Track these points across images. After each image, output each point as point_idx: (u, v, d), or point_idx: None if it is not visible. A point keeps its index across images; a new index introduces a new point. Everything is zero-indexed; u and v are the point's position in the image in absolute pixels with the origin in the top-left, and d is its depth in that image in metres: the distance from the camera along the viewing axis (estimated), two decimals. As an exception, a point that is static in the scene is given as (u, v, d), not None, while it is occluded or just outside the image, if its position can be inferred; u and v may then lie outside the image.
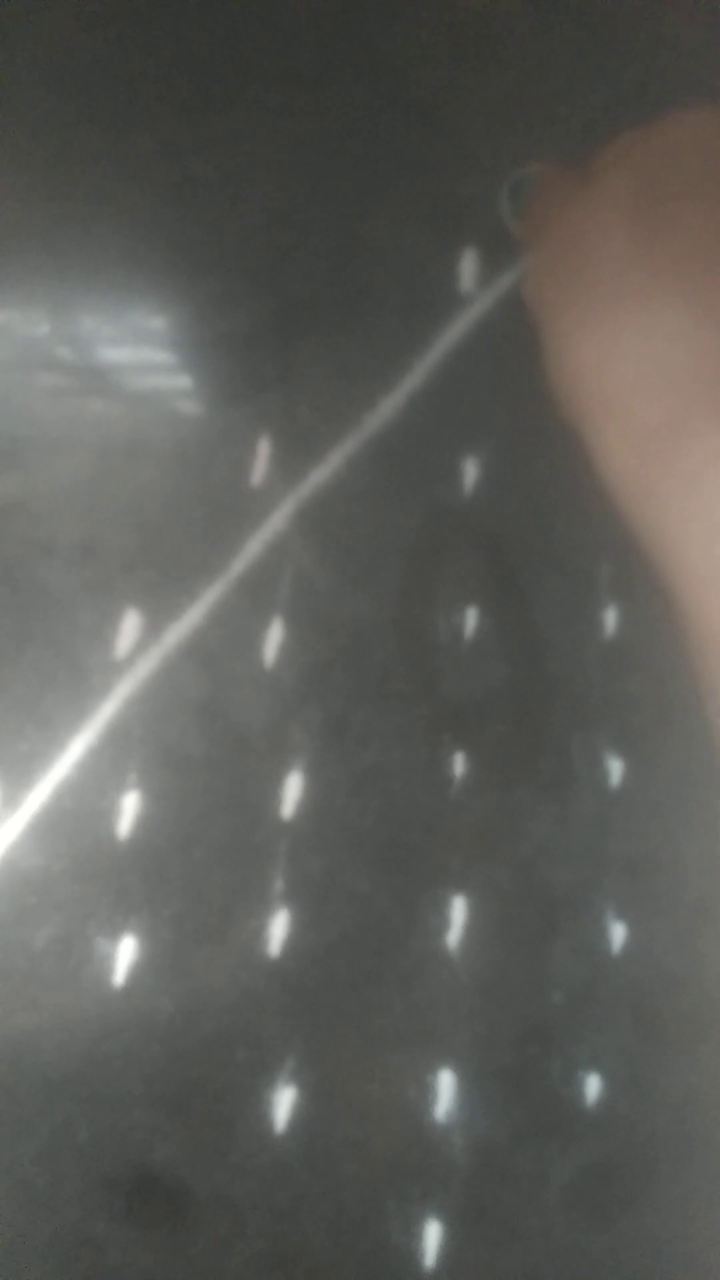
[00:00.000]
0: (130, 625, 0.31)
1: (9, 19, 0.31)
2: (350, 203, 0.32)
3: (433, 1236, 0.30)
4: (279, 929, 0.30)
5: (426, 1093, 0.30)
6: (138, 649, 0.31)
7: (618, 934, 0.31)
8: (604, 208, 0.25)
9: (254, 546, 0.31)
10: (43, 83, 0.33)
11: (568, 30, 0.33)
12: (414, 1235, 0.30)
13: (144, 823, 0.30)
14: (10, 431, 0.31)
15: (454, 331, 0.32)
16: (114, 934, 0.29)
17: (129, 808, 0.30)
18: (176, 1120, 0.29)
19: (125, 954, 0.29)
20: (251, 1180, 0.29)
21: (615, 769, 0.31)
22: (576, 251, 0.25)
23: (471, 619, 0.31)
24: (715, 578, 0.23)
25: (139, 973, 0.29)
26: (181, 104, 0.32)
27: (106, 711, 0.30)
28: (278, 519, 0.31)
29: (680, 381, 0.23)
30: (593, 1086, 0.30)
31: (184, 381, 0.32)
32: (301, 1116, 0.29)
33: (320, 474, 0.31)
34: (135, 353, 0.32)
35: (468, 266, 0.32)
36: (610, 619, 0.32)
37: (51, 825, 0.30)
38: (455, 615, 0.31)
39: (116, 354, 0.32)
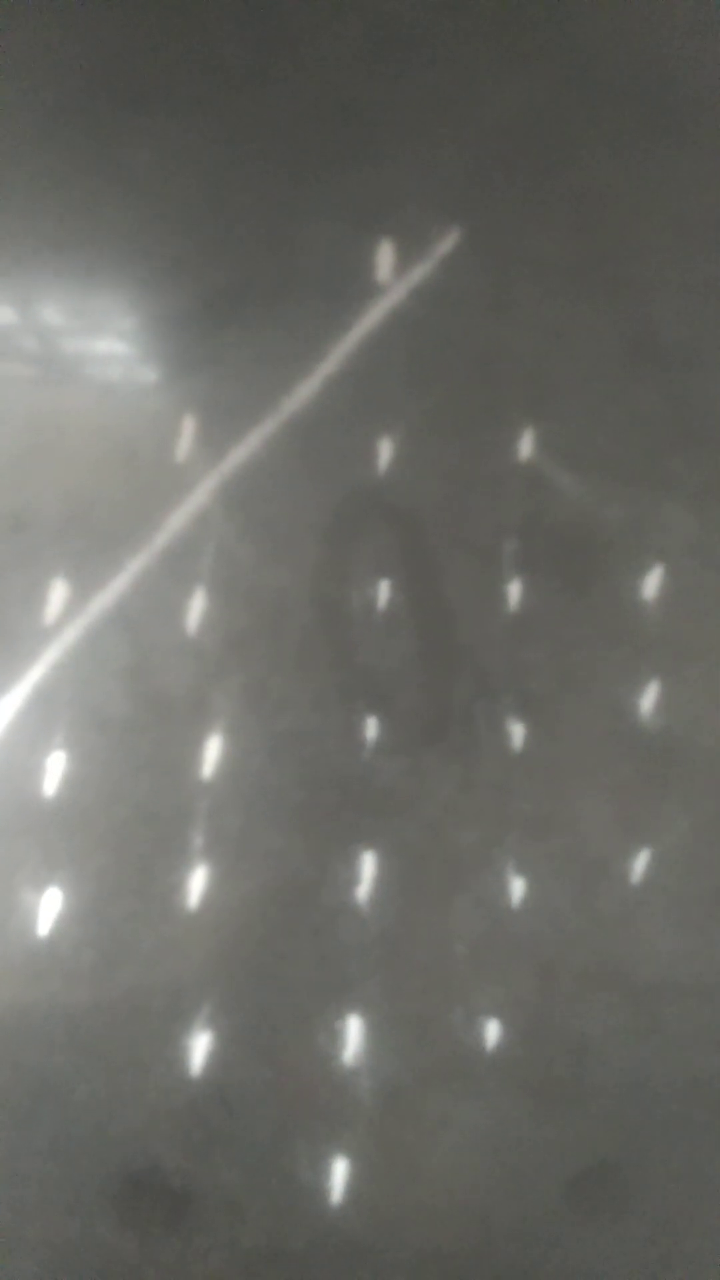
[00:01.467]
0: (58, 594, 0.32)
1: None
2: (276, 196, 0.33)
3: (339, 1174, 0.31)
4: (197, 883, 0.31)
5: (335, 1038, 0.31)
6: (65, 616, 0.32)
7: (517, 890, 0.33)
8: None
9: (178, 520, 0.33)
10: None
11: (484, 35, 0.35)
12: (321, 1173, 0.31)
13: (69, 781, 0.31)
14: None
15: (369, 319, 0.33)
16: (39, 887, 0.31)
17: (55, 767, 0.31)
18: (97, 1063, 0.30)
19: (50, 906, 0.31)
20: (167, 1121, 0.31)
21: (517, 734, 0.33)
22: None
23: (384, 592, 0.33)
24: None
25: (63, 924, 0.31)
26: (113, 96, 0.33)
27: (34, 676, 0.32)
28: (201, 494, 0.33)
29: None
30: (492, 1033, 0.32)
31: (114, 361, 0.33)
32: (216, 1061, 0.31)
33: (242, 452, 0.33)
34: (67, 332, 0.33)
35: (384, 258, 0.34)
36: (514, 593, 0.33)
37: (-21, 783, 0.31)
38: (369, 588, 0.33)
39: (48, 333, 0.33)
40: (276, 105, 0.34)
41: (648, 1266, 0.31)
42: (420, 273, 0.32)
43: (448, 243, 0.33)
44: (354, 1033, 0.32)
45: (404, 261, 0.33)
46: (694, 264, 0.35)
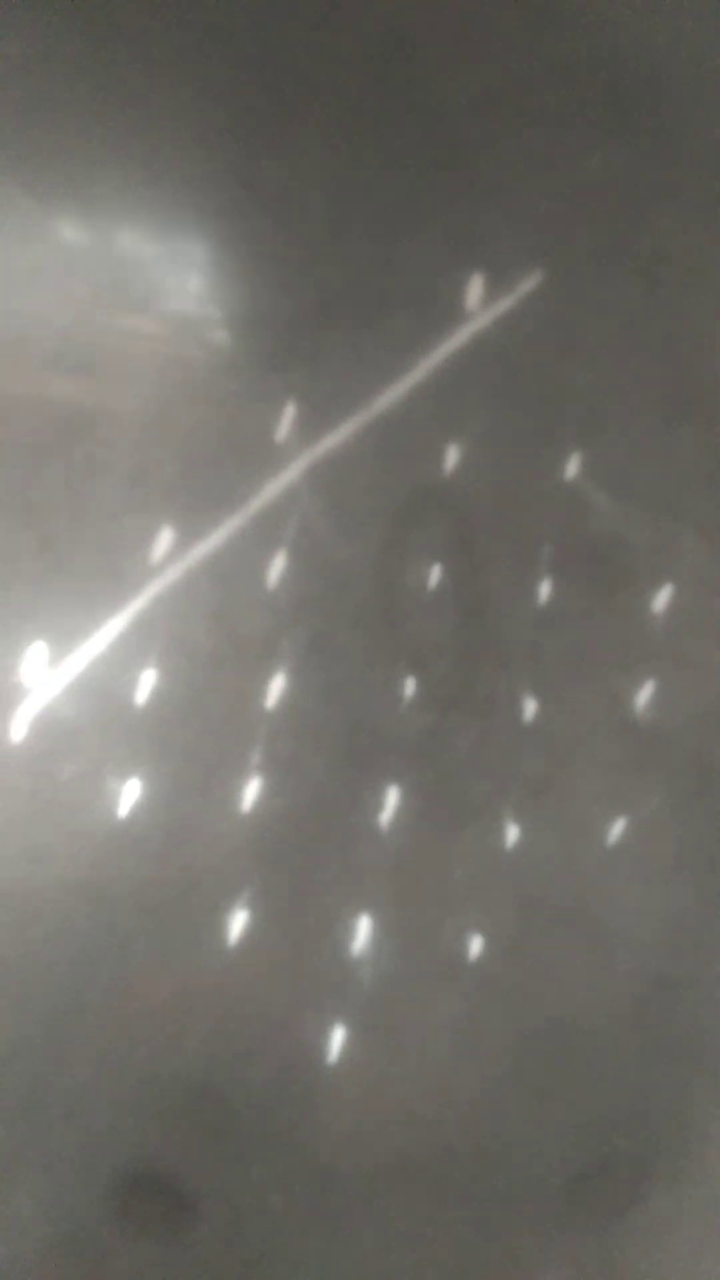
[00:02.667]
0: (164, 539, 0.38)
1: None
2: (387, 221, 0.38)
3: (337, 1040, 0.38)
4: (251, 792, 0.38)
5: (348, 931, 0.38)
6: (168, 559, 0.38)
7: (512, 834, 0.39)
8: None
9: (271, 490, 0.38)
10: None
11: (584, 103, 0.39)
12: (323, 1037, 0.38)
13: (156, 695, 0.38)
14: (90, 348, 0.38)
15: (455, 340, 0.39)
16: (122, 778, 0.37)
17: (146, 682, 0.38)
18: (152, 922, 0.37)
19: (130, 794, 0.37)
20: (205, 977, 0.38)
21: (530, 708, 0.39)
22: None
23: (435, 575, 0.39)
24: None
25: (138, 810, 0.37)
26: (255, 117, 0.38)
27: (136, 606, 0.38)
28: (293, 471, 0.38)
29: None
30: (475, 945, 0.39)
31: (234, 346, 0.39)
32: (249, 936, 0.38)
33: (332, 440, 0.39)
34: (199, 317, 0.39)
35: (474, 289, 0.39)
36: (544, 590, 0.39)
37: (84, 687, 0.37)
38: (422, 570, 0.39)
39: (184, 316, 0.39)
40: (396, 142, 0.39)
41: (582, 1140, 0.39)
42: (503, 305, 0.37)
43: (530, 282, 0.38)
44: (363, 929, 0.38)
45: (490, 294, 0.39)
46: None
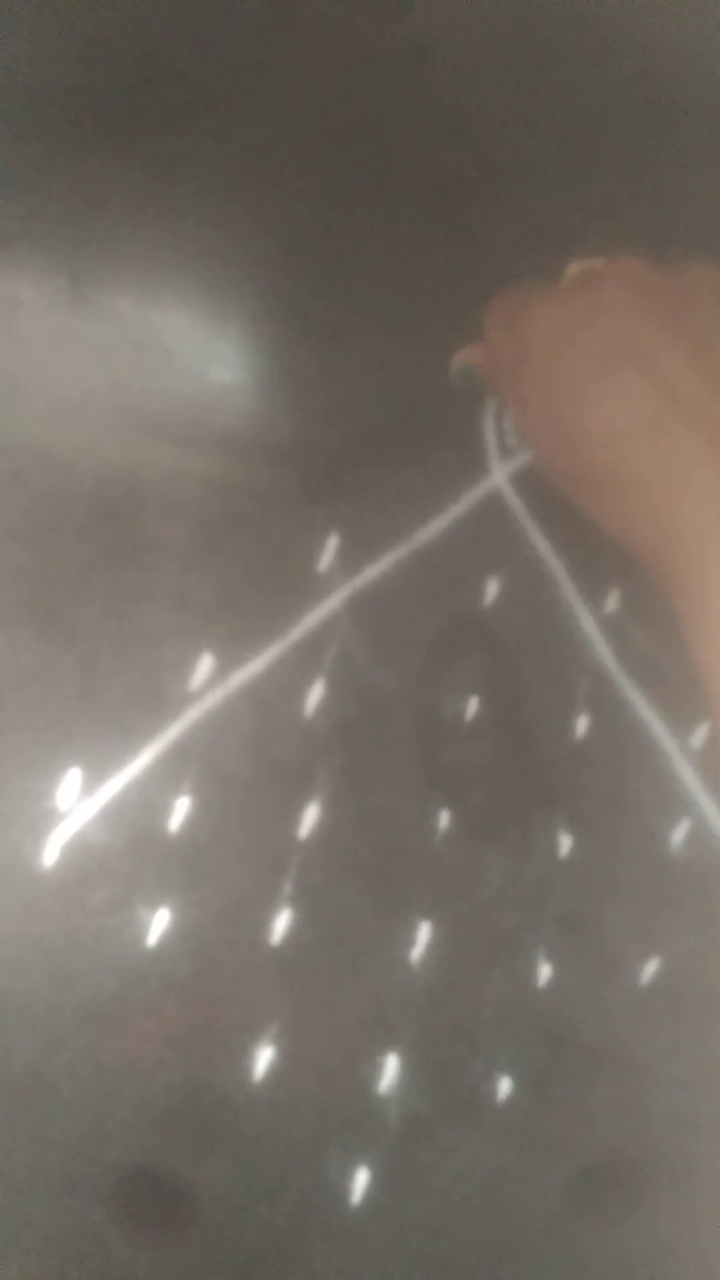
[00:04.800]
0: (204, 665, 0.38)
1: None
2: (430, 361, 0.39)
3: (361, 1180, 0.37)
4: (282, 923, 0.38)
5: (375, 1069, 0.38)
6: (207, 685, 0.38)
7: (544, 972, 0.39)
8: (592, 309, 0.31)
9: (311, 619, 0.39)
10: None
11: (587, 175, 0.40)
12: (346, 1176, 0.37)
13: (190, 823, 0.38)
14: (136, 477, 0.39)
15: (496, 475, 0.39)
16: (153, 905, 0.37)
17: (180, 809, 0.38)
18: (179, 1056, 0.37)
19: (159, 922, 0.37)
20: (228, 1112, 0.37)
21: (565, 843, 0.39)
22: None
23: (473, 705, 0.39)
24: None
25: (167, 939, 0.37)
26: (308, 253, 0.39)
27: (175, 731, 0.38)
28: (334, 601, 0.39)
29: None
30: (504, 1087, 0.38)
31: (278, 479, 0.39)
32: (275, 1071, 0.37)
33: (373, 571, 0.39)
34: (245, 448, 0.39)
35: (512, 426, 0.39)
36: (582, 724, 0.39)
37: (118, 812, 0.37)
38: (460, 700, 0.39)
39: (230, 447, 0.39)
40: (443, 282, 0.40)
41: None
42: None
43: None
44: (390, 1067, 0.38)
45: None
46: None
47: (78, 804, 0.37)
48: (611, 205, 0.42)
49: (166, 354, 0.39)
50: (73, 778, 0.37)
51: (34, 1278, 0.36)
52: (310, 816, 0.38)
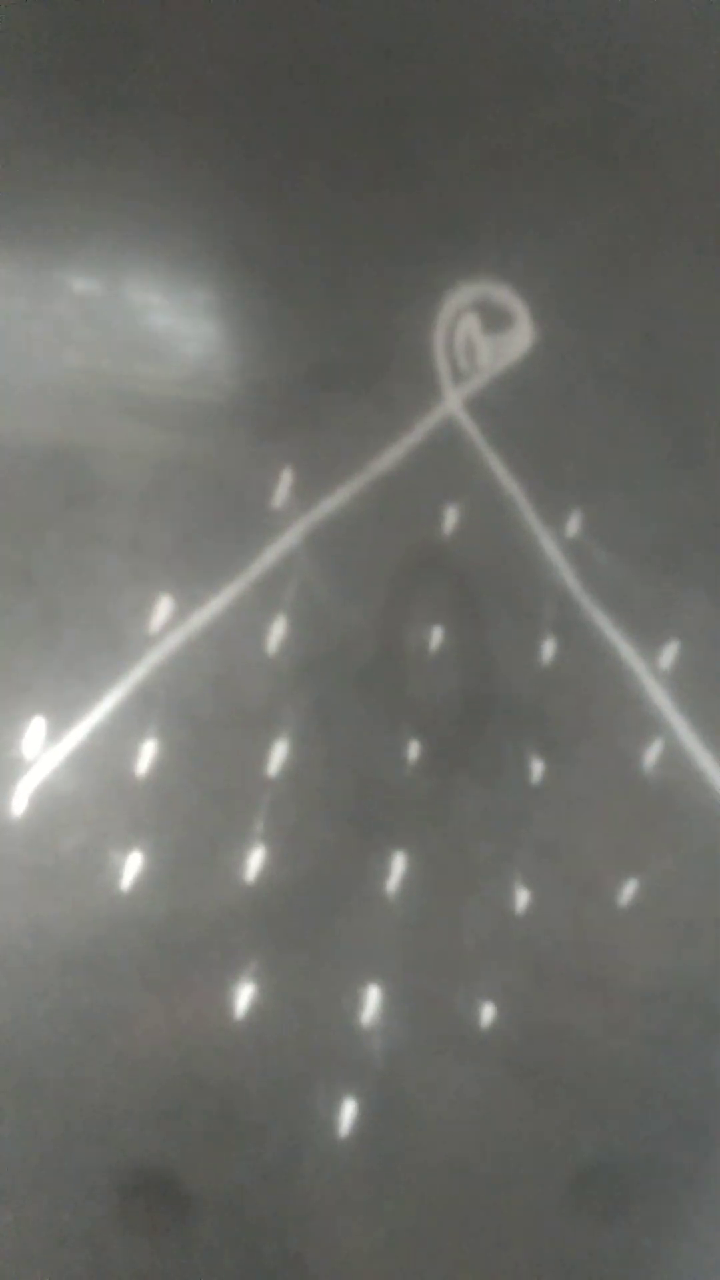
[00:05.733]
0: (163, 608, 0.38)
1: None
2: (380, 290, 0.39)
3: (348, 1112, 0.37)
4: (255, 861, 0.37)
5: (357, 1002, 0.37)
6: (167, 627, 0.38)
7: (522, 899, 0.39)
8: None
9: (269, 556, 0.38)
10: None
11: (580, 164, 0.40)
12: (333, 1109, 0.37)
13: (158, 766, 0.37)
14: (82, 441, 0.38)
15: (451, 402, 0.39)
16: (125, 849, 0.37)
17: (147, 752, 0.37)
18: (158, 1000, 0.37)
19: (132, 866, 0.37)
20: (211, 1053, 0.37)
21: (536, 769, 0.39)
22: None
23: (437, 636, 0.39)
24: None
25: (141, 883, 0.37)
26: (251, 186, 0.38)
27: (138, 674, 0.38)
28: (291, 536, 0.38)
29: None
30: (487, 1014, 0.38)
31: (231, 415, 0.39)
32: (257, 1008, 0.37)
33: (329, 504, 0.39)
34: (194, 388, 0.39)
35: (470, 351, 0.39)
36: (549, 649, 0.39)
37: (85, 759, 0.37)
38: (424, 631, 0.39)
39: (177, 388, 0.39)
40: (391, 209, 0.39)
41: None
42: (500, 366, 0.37)
43: (527, 342, 0.39)
44: (372, 999, 0.38)
45: (486, 358, 0.39)
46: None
47: (43, 752, 0.37)
48: (556, 129, 0.41)
49: (110, 294, 0.38)
50: (37, 726, 0.37)
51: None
52: (279, 754, 0.38)
